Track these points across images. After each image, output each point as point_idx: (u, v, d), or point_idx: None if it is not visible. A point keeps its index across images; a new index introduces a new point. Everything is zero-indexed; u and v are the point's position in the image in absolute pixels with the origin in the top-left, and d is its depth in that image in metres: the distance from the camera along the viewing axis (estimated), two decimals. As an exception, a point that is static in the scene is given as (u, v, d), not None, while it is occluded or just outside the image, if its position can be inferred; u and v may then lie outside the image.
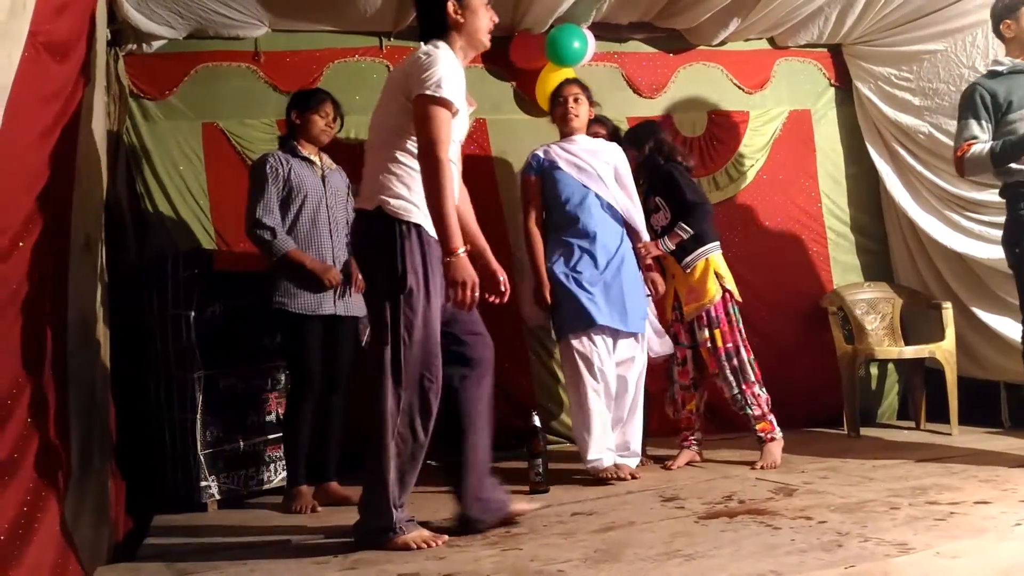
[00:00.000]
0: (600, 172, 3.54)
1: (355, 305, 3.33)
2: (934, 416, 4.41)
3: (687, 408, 3.70)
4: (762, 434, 3.55)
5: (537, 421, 3.32)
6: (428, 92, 2.44)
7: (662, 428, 4.01)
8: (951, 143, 4.38)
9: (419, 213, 2.51)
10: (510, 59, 4.41)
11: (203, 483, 3.23)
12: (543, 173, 3.57)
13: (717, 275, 3.61)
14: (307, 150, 3.38)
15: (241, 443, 3.37)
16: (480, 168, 4.39)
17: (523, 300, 3.69)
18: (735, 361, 3.56)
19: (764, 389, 3.60)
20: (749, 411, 3.55)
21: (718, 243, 3.69)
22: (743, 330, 3.63)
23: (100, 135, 3.16)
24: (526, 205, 3.61)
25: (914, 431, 4.40)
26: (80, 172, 2.67)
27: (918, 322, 4.65)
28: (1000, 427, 4.27)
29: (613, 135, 3.88)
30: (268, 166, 3.27)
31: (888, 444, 4.02)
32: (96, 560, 2.45)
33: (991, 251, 4.23)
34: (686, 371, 3.69)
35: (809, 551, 2.17)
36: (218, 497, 3.26)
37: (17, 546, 1.96)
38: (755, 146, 4.75)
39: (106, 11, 3.40)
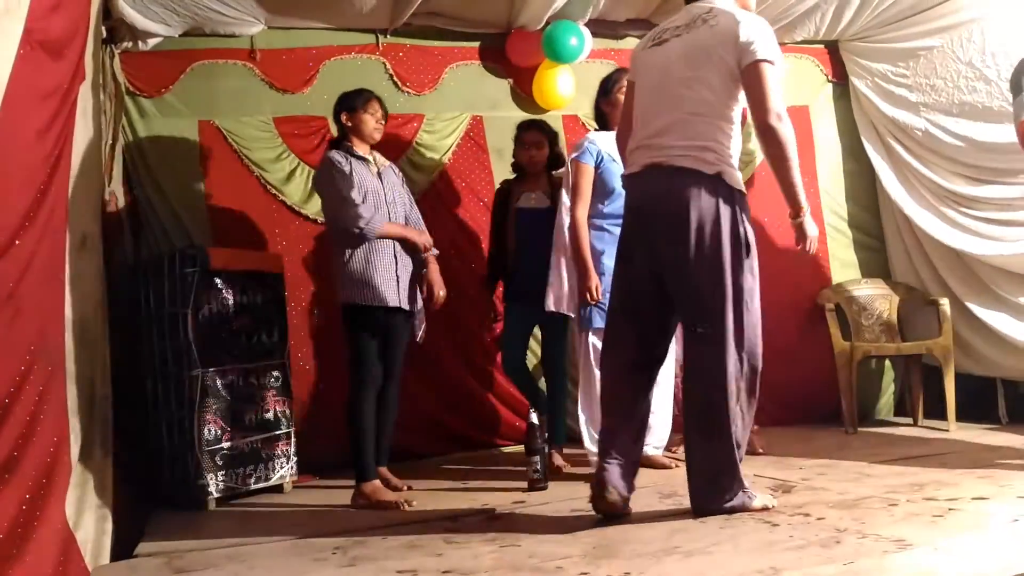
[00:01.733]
0: None
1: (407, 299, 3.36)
2: (931, 412, 4.42)
3: None
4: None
5: (535, 418, 3.32)
6: (767, 58, 2.51)
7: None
8: (948, 139, 4.41)
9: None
10: (507, 56, 4.40)
11: (201, 481, 3.22)
12: (600, 164, 3.46)
13: None
14: (361, 149, 3.40)
15: (239, 441, 3.37)
16: (476, 165, 4.39)
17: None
18: None
19: None
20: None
21: None
22: None
23: (96, 133, 3.15)
24: (579, 193, 3.44)
25: (911, 427, 4.40)
26: (76, 170, 2.66)
27: (915, 318, 4.66)
28: (997, 423, 4.27)
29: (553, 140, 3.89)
30: (335, 163, 3.29)
31: (885, 440, 4.03)
32: (100, 557, 2.45)
33: (987, 247, 4.24)
34: None
35: (807, 547, 2.17)
36: (216, 495, 3.25)
37: (17, 544, 1.95)
38: (753, 142, 4.74)
39: (101, 8, 3.39)
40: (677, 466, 3.47)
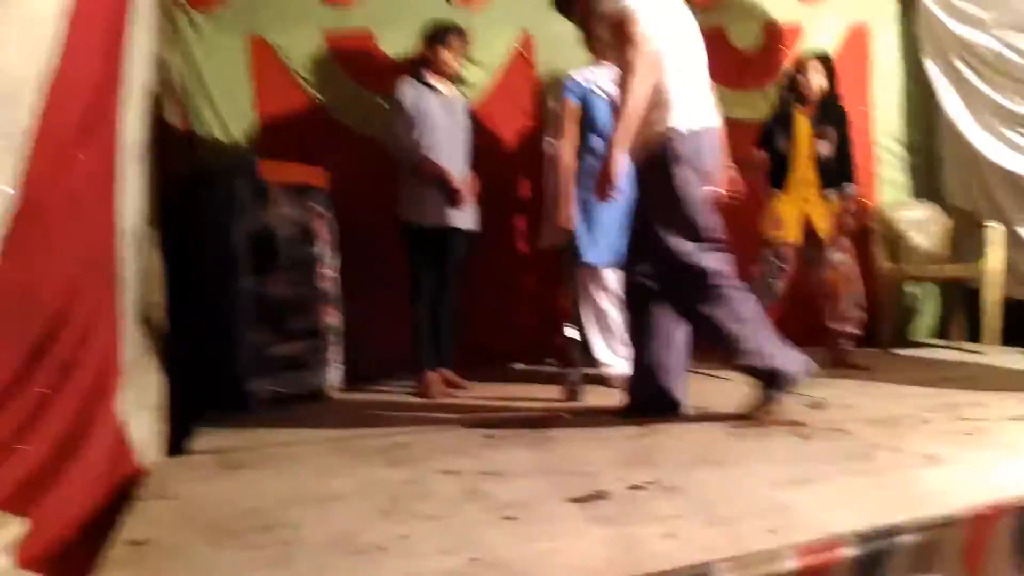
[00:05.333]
0: None
1: (469, 219, 3.64)
2: (972, 337, 4.39)
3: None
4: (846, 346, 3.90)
5: (571, 333, 3.37)
6: None
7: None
8: (1018, 60, 4.24)
9: None
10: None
11: (250, 386, 3.34)
12: (584, 100, 3.55)
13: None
14: (435, 79, 3.61)
15: (287, 348, 3.48)
16: (525, 82, 4.33)
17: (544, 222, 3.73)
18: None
19: None
20: (848, 328, 3.88)
21: None
22: None
23: (150, 44, 3.16)
24: (562, 130, 3.56)
25: (950, 351, 4.38)
26: (131, 80, 2.69)
27: (964, 242, 4.57)
28: (1040, 349, 4.23)
29: None
30: (403, 93, 3.55)
31: (922, 362, 4.02)
32: (152, 455, 2.57)
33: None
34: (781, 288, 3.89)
35: (840, 460, 2.21)
36: (264, 399, 3.38)
37: (76, 442, 2.07)
38: (810, 59, 4.60)
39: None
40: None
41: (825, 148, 3.80)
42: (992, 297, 4.16)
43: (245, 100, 3.99)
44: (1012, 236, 4.28)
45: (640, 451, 2.43)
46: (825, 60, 3.93)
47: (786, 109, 3.90)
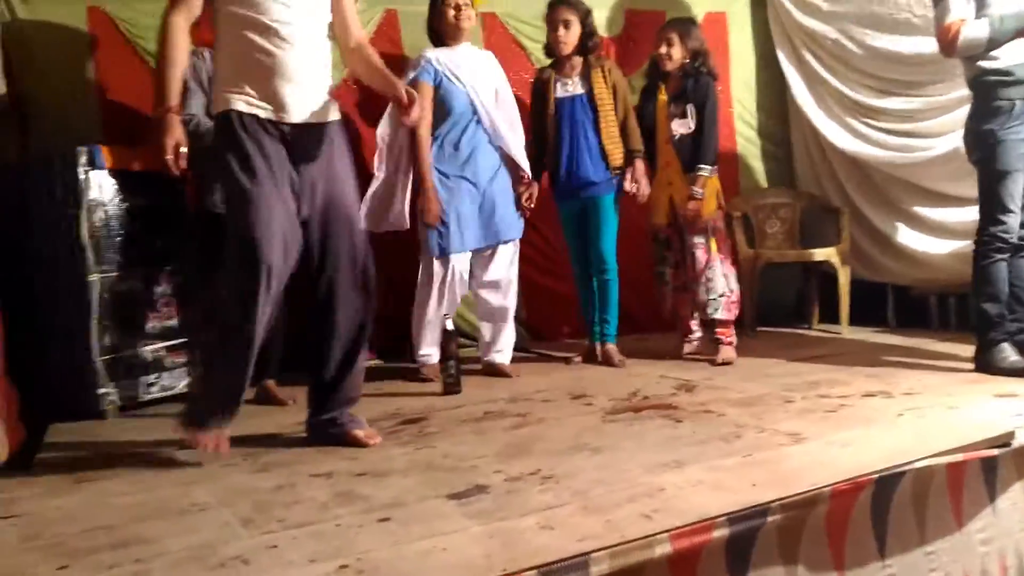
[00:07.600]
0: (484, 87, 3.52)
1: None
2: (826, 317, 4.64)
3: (683, 311, 3.83)
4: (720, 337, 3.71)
5: (450, 324, 3.32)
6: None
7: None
8: (856, 50, 4.48)
9: None
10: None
11: (102, 390, 3.11)
12: (439, 83, 3.47)
13: (718, 194, 3.71)
14: None
15: (142, 349, 3.26)
16: (390, 64, 4.18)
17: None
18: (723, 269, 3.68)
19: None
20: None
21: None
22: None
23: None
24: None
25: (807, 331, 4.61)
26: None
27: (816, 226, 4.81)
28: (886, 326, 4.52)
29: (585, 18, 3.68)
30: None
31: (783, 342, 4.21)
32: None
33: (887, 157, 4.39)
34: (679, 274, 3.77)
35: (709, 442, 2.27)
36: (118, 404, 3.16)
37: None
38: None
39: None
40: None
41: (679, 127, 3.62)
42: (846, 279, 4.40)
43: (85, 79, 3.66)
44: (857, 220, 4.54)
45: (518, 441, 2.42)
46: (682, 26, 3.72)
47: (649, 85, 3.80)
